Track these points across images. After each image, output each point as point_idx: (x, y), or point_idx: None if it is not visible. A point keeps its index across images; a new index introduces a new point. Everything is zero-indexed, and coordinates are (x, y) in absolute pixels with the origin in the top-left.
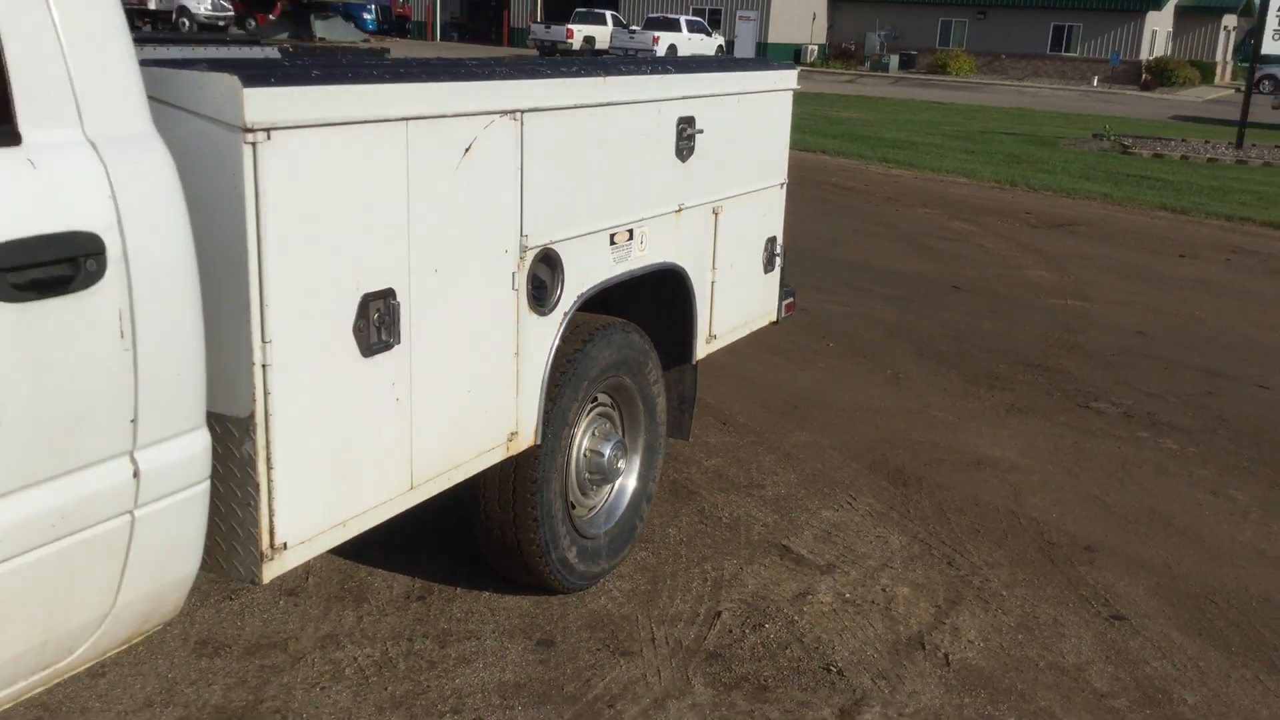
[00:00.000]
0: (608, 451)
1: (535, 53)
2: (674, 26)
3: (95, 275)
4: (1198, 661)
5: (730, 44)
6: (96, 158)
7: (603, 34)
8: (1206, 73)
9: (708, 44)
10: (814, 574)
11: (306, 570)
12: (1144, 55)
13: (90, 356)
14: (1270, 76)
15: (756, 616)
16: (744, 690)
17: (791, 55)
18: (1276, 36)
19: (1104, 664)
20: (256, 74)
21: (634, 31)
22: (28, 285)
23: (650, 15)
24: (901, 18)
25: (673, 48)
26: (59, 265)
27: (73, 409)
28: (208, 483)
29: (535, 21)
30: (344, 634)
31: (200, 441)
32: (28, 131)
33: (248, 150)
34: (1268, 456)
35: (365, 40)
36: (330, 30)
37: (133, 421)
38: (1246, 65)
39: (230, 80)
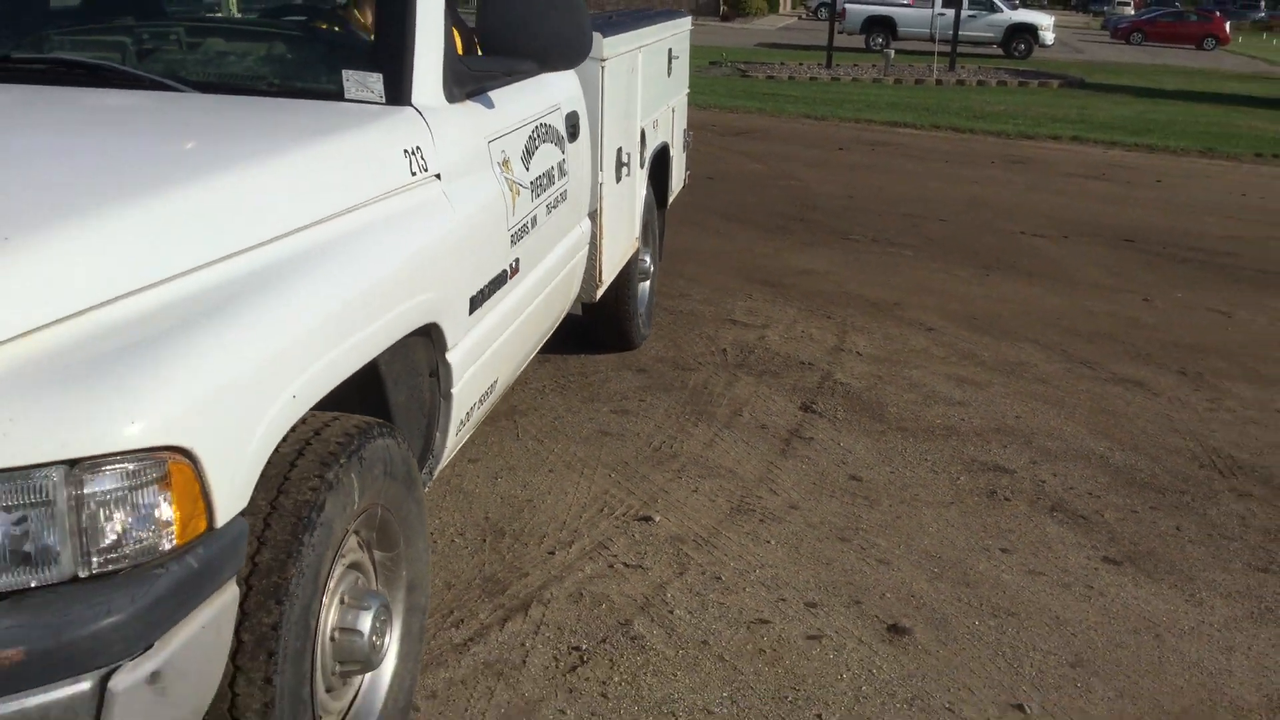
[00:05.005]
0: (647, 259)
1: None
2: None
3: (578, 134)
4: (980, 341)
5: None
6: (571, 75)
7: None
8: (773, 3)
9: None
10: (759, 329)
11: None
12: None
13: (580, 171)
14: (825, 4)
15: (745, 348)
16: (766, 375)
17: None
18: None
19: (935, 347)
20: (601, 30)
21: None
22: (568, 134)
23: None
24: None
25: None
26: (573, 127)
27: (576, 198)
28: (589, 245)
29: None
30: (529, 378)
31: (590, 223)
32: None
33: (599, 71)
34: (966, 253)
35: None
36: None
37: (582, 206)
38: None
39: (597, 35)
